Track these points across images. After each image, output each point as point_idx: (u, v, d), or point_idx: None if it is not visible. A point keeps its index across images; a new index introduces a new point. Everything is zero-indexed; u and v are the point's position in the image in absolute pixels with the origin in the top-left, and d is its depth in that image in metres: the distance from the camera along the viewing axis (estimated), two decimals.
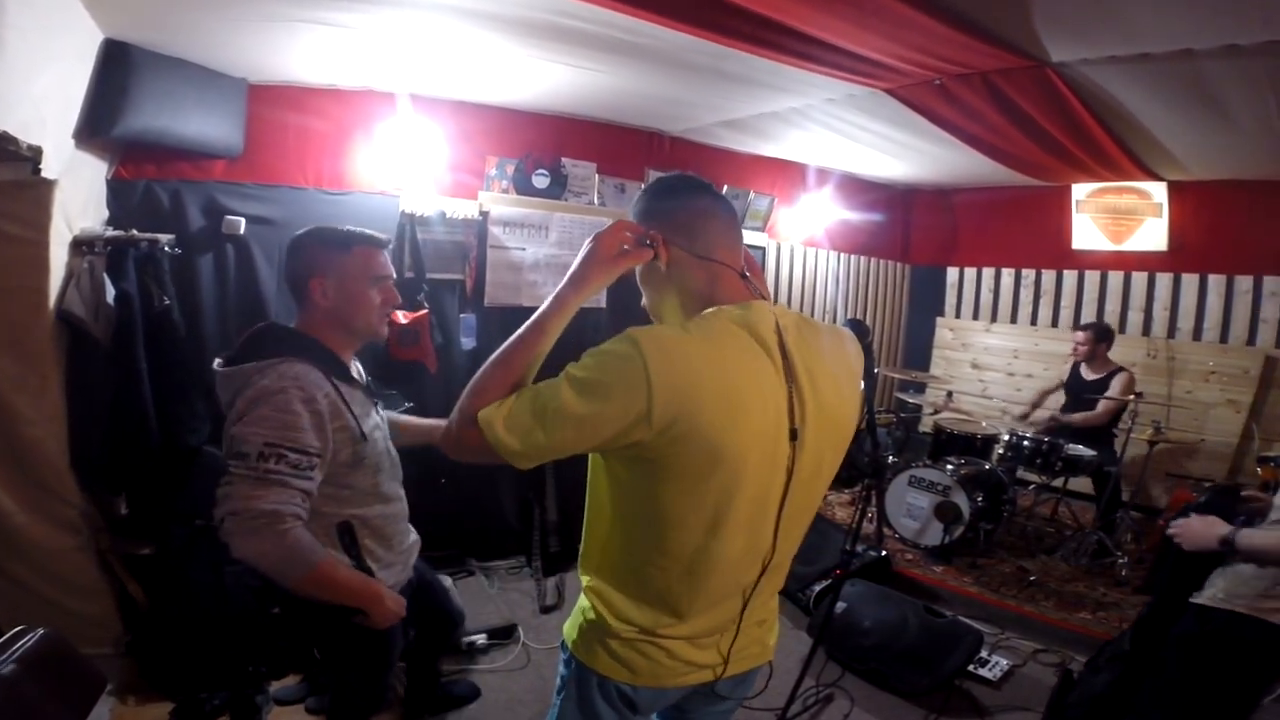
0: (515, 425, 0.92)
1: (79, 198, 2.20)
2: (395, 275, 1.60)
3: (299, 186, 2.91)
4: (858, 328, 1.24)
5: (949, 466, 3.64)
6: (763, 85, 2.78)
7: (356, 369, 1.62)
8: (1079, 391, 4.08)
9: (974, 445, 4.14)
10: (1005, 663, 2.73)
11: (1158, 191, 4.34)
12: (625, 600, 1.06)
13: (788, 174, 4.63)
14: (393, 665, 1.75)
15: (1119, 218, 4.60)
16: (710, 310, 1.00)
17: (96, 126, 2.20)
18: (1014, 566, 3.57)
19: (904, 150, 3.93)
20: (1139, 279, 4.70)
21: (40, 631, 1.33)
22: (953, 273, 5.72)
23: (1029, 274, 5.26)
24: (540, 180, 3.45)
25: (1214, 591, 1.71)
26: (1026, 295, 5.27)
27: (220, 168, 2.73)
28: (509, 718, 2.34)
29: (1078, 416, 4.00)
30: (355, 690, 1.69)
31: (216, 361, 1.45)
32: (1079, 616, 3.08)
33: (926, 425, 5.12)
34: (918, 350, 5.87)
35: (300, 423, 1.32)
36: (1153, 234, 4.47)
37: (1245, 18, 1.88)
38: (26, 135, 1.78)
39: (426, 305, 3.07)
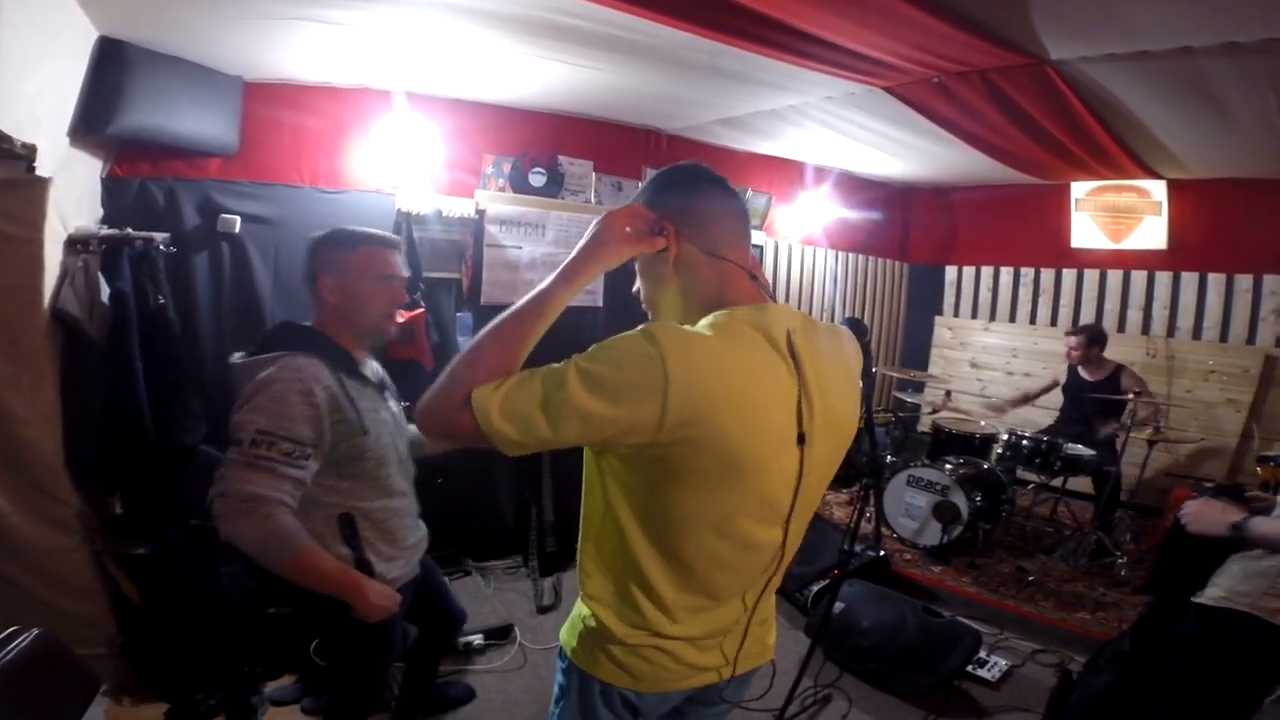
0: (513, 414, 0.86)
1: (74, 196, 2.20)
2: (406, 275, 1.64)
3: (294, 185, 2.91)
4: (856, 326, 1.23)
5: (947, 466, 3.63)
6: (760, 83, 2.77)
7: (372, 367, 1.67)
8: (1080, 392, 4.07)
9: (973, 445, 4.12)
10: (1004, 663, 2.72)
11: (1157, 190, 4.33)
12: (626, 604, 1.02)
13: (785, 172, 4.62)
14: (390, 664, 1.74)
15: (1118, 216, 4.59)
16: (723, 311, 0.96)
17: (91, 124, 2.19)
18: (1013, 566, 3.56)
19: (902, 148, 3.92)
20: (1138, 278, 4.69)
21: (35, 632, 1.32)
22: (951, 271, 5.71)
23: (1028, 273, 5.25)
24: (537, 178, 3.44)
25: (1216, 591, 1.70)
26: (1025, 294, 5.26)
27: (215, 166, 2.72)
28: (505, 718, 2.33)
29: (1107, 428, 3.91)
30: (352, 689, 1.69)
31: (235, 355, 1.52)
32: (1078, 617, 3.07)
33: (925, 425, 5.11)
34: (916, 349, 5.86)
35: (294, 413, 1.37)
36: (1152, 232, 4.46)
37: (1245, 15, 1.87)
38: (21, 133, 1.78)
39: (422, 304, 3.06)
